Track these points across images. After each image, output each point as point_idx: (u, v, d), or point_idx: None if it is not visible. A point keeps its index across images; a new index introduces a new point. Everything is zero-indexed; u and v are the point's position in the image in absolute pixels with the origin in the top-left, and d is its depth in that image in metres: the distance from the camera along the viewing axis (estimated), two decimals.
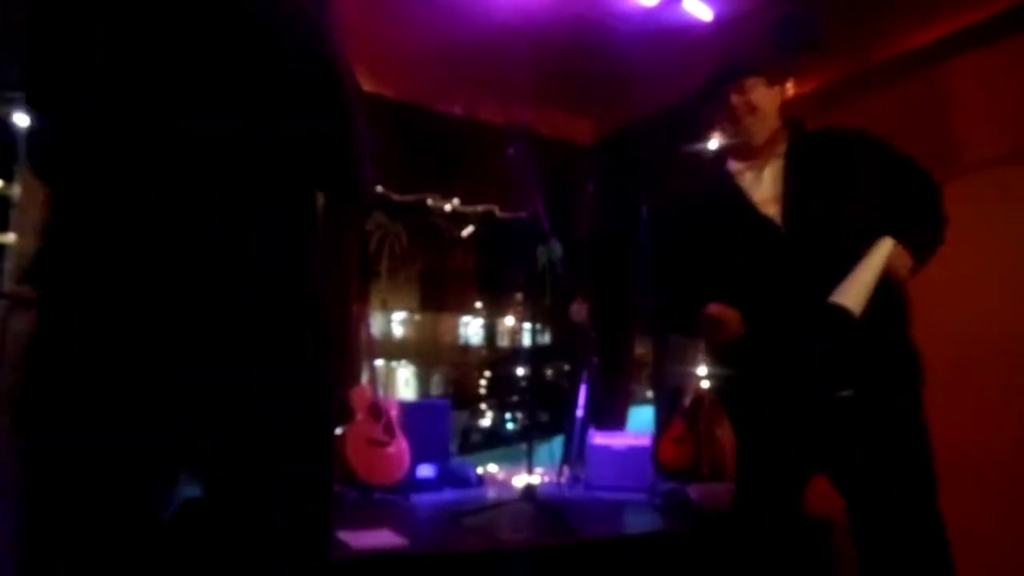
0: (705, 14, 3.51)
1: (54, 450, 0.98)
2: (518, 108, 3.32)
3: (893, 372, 1.69)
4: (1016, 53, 2.53)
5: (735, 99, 1.83)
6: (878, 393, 1.67)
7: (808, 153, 1.81)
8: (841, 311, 1.60)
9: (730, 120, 1.85)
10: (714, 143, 1.90)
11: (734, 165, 1.89)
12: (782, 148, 1.84)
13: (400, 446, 3.31)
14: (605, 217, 4.67)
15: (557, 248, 3.07)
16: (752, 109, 1.82)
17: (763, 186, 1.82)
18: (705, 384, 3.77)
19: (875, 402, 1.66)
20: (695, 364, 3.81)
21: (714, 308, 1.75)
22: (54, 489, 0.98)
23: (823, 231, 1.69)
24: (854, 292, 1.61)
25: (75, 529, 0.98)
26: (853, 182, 1.73)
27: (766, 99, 1.84)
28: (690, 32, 3.59)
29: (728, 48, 3.62)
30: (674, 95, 4.01)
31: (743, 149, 1.87)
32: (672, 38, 3.62)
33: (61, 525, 0.98)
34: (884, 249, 1.64)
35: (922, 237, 1.70)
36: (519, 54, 3.62)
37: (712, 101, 1.88)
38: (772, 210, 1.77)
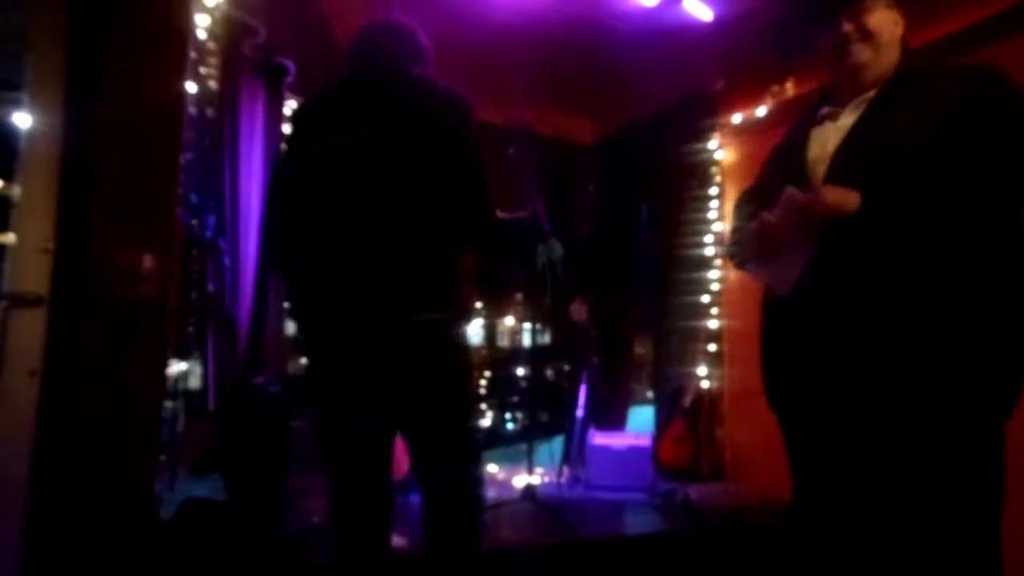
0: (705, 14, 3.51)
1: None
2: (518, 108, 3.31)
3: (949, 389, 1.29)
4: (1017, 53, 2.53)
5: (848, 26, 1.45)
6: (900, 414, 1.32)
7: (898, 98, 1.41)
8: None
9: (835, 52, 1.48)
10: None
11: (825, 109, 1.54)
12: (872, 93, 1.46)
13: (400, 445, 3.30)
14: (605, 217, 4.67)
15: (557, 248, 3.06)
16: (867, 35, 1.45)
17: (828, 140, 1.47)
18: (705, 384, 3.78)
19: (896, 423, 1.32)
20: (695, 364, 3.81)
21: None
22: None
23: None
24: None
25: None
26: (938, 138, 1.30)
27: (885, 24, 1.46)
28: (690, 32, 3.58)
29: (728, 48, 3.63)
30: (675, 95, 4.02)
31: (841, 90, 1.51)
32: (672, 38, 3.61)
33: None
34: (786, 201, 1.39)
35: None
36: (519, 54, 3.62)
37: (820, 29, 1.51)
38: (820, 170, 1.44)
